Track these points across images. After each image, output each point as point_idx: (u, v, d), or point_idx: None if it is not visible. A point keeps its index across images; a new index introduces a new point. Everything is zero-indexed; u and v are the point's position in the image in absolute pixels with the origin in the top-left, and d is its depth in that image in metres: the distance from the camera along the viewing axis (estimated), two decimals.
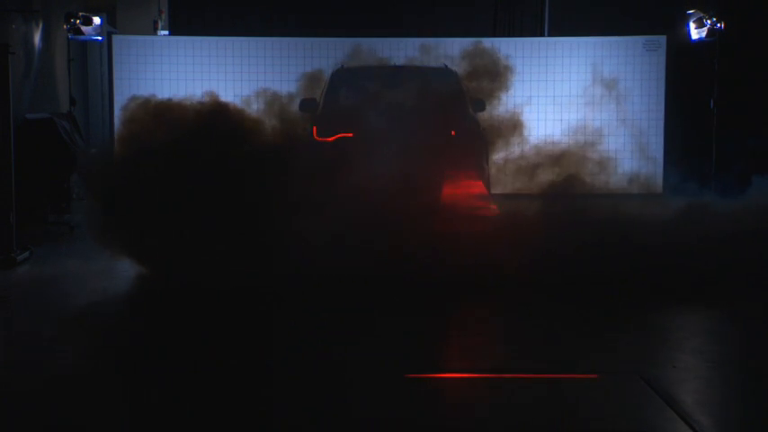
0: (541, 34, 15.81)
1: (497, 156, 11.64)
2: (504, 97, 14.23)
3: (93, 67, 15.30)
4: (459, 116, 10.47)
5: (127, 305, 7.38)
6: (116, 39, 14.29)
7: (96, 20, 12.83)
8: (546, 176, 10.98)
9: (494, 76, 11.94)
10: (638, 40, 14.35)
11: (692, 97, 13.96)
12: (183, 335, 6.39)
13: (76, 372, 5.50)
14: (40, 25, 12.61)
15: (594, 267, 7.87)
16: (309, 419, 4.75)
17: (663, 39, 14.27)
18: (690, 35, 12.38)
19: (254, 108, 12.36)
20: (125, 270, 8.17)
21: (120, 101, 14.24)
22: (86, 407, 4.89)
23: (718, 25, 11.71)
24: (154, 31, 15.71)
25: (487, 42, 14.49)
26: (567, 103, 14.33)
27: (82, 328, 6.63)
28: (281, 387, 5.25)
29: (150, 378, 5.37)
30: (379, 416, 4.80)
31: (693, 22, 12.20)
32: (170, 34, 15.86)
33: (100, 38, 13.43)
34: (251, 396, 5.03)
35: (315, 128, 10.21)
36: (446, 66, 11.74)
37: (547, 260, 7.88)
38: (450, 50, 14.27)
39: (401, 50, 14.19)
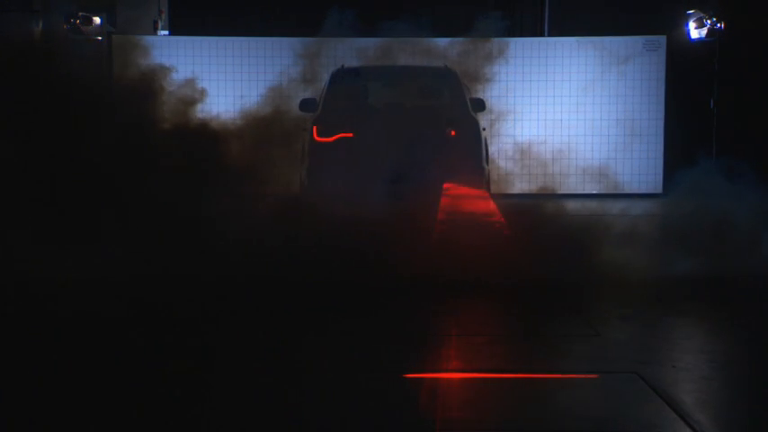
0: (541, 34, 15.82)
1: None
2: (504, 97, 14.30)
3: None
4: (459, 116, 10.47)
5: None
6: (116, 39, 14.29)
7: (96, 20, 12.84)
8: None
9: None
10: (638, 40, 14.36)
11: (692, 97, 13.96)
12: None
13: None
14: (40, 25, 12.62)
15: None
16: (306, 420, 4.76)
17: (663, 39, 14.27)
18: (690, 35, 12.39)
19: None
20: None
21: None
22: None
23: (718, 25, 11.72)
24: (154, 31, 15.72)
25: (487, 42, 14.52)
26: (567, 102, 14.34)
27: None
28: (269, 388, 5.25)
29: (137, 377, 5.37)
30: (377, 416, 4.81)
31: (693, 22, 12.21)
32: (170, 34, 15.86)
33: (100, 38, 13.44)
34: (238, 399, 5.03)
35: (315, 128, 10.22)
36: (446, 66, 11.75)
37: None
38: (450, 50, 14.29)
39: (400, 50, 14.19)
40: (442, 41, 14.35)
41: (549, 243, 8.19)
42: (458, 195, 9.77)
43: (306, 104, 11.12)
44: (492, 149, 12.57)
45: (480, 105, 11.21)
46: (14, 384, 5.14)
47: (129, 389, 5.08)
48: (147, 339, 6.10)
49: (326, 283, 7.55)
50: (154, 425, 4.61)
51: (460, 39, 14.57)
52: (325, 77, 11.60)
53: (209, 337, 6.27)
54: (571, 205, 12.75)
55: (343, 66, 11.60)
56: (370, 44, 14.10)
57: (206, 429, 4.59)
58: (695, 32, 12.26)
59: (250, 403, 4.92)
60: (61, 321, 6.38)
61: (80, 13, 12.68)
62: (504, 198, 12.99)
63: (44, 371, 5.31)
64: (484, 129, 10.66)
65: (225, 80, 14.23)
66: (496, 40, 14.81)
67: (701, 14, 12.06)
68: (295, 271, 7.61)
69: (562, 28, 15.27)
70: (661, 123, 14.34)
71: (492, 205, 10.38)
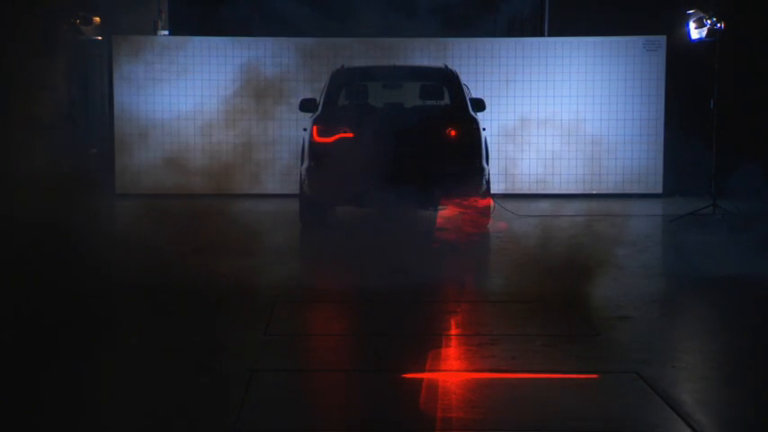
0: (541, 34, 15.81)
1: None
2: (504, 97, 14.29)
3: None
4: (460, 116, 10.47)
5: None
6: (116, 39, 14.29)
7: (96, 20, 12.85)
8: None
9: None
10: (638, 40, 14.35)
11: (692, 97, 13.95)
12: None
13: None
14: None
15: None
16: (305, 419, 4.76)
17: (663, 39, 14.27)
18: (690, 35, 12.37)
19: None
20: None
21: (119, 101, 14.26)
22: None
23: (719, 25, 11.69)
24: (154, 31, 15.71)
25: (487, 42, 14.53)
26: (566, 102, 14.33)
27: None
28: (264, 388, 5.25)
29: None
30: (376, 415, 4.81)
31: (693, 22, 12.19)
32: (170, 34, 15.86)
33: (99, 38, 13.46)
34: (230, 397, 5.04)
35: (315, 128, 10.22)
36: (446, 65, 11.75)
37: None
38: (451, 50, 14.29)
39: (401, 50, 14.20)
40: (444, 42, 14.36)
41: None
42: None
43: (306, 104, 11.11)
44: (492, 150, 12.56)
45: (480, 105, 11.21)
46: None
47: None
48: None
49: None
50: None
51: (462, 39, 14.59)
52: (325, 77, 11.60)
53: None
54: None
55: (343, 66, 11.59)
56: (371, 44, 14.12)
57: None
58: (695, 32, 12.25)
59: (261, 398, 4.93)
60: None
61: (80, 13, 12.67)
62: (504, 198, 13.01)
63: None
64: (484, 129, 10.66)
65: (225, 80, 14.20)
66: (496, 40, 14.82)
67: (701, 14, 12.04)
68: None
69: (562, 28, 15.26)
70: (661, 123, 14.33)
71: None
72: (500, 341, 6.13)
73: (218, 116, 14.23)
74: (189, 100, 14.22)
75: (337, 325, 6.85)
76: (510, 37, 15.76)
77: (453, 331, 6.62)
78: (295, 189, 11.58)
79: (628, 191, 14.34)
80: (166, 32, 16.03)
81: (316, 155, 10.18)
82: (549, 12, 15.80)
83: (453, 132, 10.23)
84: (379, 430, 4.65)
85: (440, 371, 5.53)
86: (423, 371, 5.48)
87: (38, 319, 6.29)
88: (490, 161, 11.18)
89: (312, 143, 10.21)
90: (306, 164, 10.36)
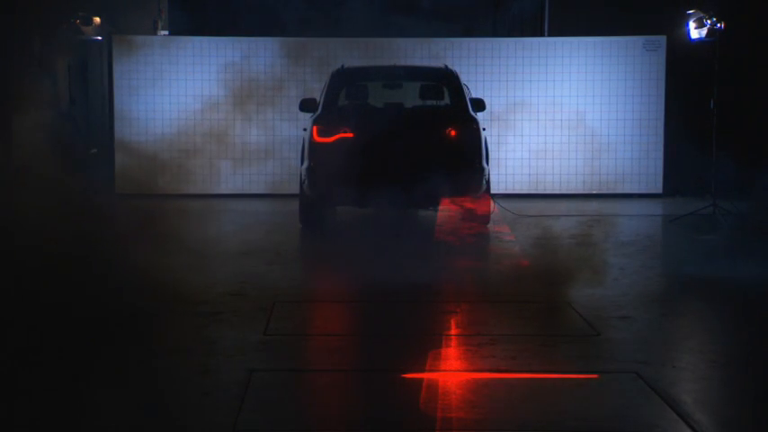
0: (541, 34, 15.81)
1: None
2: (504, 97, 14.30)
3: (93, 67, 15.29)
4: (460, 116, 10.47)
5: None
6: (116, 39, 14.29)
7: (96, 20, 12.85)
8: None
9: None
10: (638, 40, 14.35)
11: (692, 97, 13.94)
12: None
13: None
14: None
15: None
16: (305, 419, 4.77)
17: (663, 39, 14.26)
18: (690, 35, 12.36)
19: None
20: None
21: (119, 101, 14.26)
22: None
23: (719, 25, 11.69)
24: (154, 31, 15.72)
25: (488, 42, 14.54)
26: (566, 103, 14.33)
27: None
28: (262, 392, 5.25)
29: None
30: (376, 415, 4.81)
31: (693, 22, 12.19)
32: (170, 34, 15.86)
33: (99, 38, 13.45)
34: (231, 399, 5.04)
35: (315, 128, 10.22)
36: (446, 66, 11.75)
37: None
38: (451, 50, 14.29)
39: (401, 50, 14.19)
40: (445, 42, 14.36)
41: None
42: None
43: (306, 104, 11.12)
44: (492, 150, 12.56)
45: (480, 105, 11.21)
46: None
47: None
48: None
49: None
50: None
51: (462, 39, 14.59)
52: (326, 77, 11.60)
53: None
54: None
55: (343, 66, 11.59)
56: (371, 43, 14.13)
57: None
58: (695, 32, 12.24)
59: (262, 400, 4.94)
60: None
61: (80, 13, 12.67)
62: (503, 198, 13.01)
63: None
64: (484, 129, 10.66)
65: (224, 80, 14.20)
66: (496, 40, 14.83)
67: (701, 14, 12.03)
68: None
69: (562, 28, 15.26)
70: (661, 123, 14.32)
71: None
72: (500, 341, 6.13)
73: (218, 116, 14.23)
74: (189, 100, 14.22)
75: (337, 325, 6.86)
76: (510, 37, 15.76)
77: (453, 331, 6.62)
78: (297, 189, 11.58)
79: (628, 191, 14.34)
80: (166, 32, 16.03)
81: (316, 155, 10.18)
82: (549, 12, 15.80)
83: (453, 132, 10.23)
84: (379, 430, 4.66)
85: (440, 371, 5.54)
86: (423, 371, 5.48)
87: (40, 319, 6.29)
88: (490, 161, 11.18)
89: (312, 143, 10.21)
90: (306, 164, 10.36)
